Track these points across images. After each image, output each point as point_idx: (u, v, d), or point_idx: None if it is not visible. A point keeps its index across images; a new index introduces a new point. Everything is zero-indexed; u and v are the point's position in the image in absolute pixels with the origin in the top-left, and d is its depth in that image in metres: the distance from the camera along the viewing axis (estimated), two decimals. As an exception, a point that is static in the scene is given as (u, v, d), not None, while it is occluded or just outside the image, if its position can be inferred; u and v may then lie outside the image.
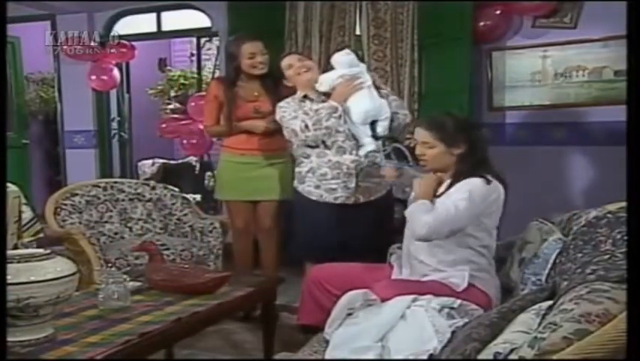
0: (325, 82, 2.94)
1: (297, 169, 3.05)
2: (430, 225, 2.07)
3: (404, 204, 3.95)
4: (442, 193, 2.20)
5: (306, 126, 2.87)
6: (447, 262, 2.17)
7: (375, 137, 2.89)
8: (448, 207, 2.08)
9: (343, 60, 2.96)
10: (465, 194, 2.10)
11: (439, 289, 2.06)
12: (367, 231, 2.91)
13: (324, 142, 2.90)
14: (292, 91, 3.06)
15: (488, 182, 2.13)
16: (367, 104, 2.88)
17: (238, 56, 3.24)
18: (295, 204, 3.10)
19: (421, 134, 2.28)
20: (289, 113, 2.95)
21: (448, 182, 2.23)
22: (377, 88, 2.97)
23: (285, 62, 3.07)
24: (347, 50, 3.05)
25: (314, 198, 2.95)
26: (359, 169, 2.89)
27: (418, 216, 2.13)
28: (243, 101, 3.26)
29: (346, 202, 2.91)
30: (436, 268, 2.18)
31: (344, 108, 2.86)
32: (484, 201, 2.12)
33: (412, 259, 2.27)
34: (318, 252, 2.93)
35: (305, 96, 2.99)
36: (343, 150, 2.90)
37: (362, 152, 2.89)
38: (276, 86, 3.22)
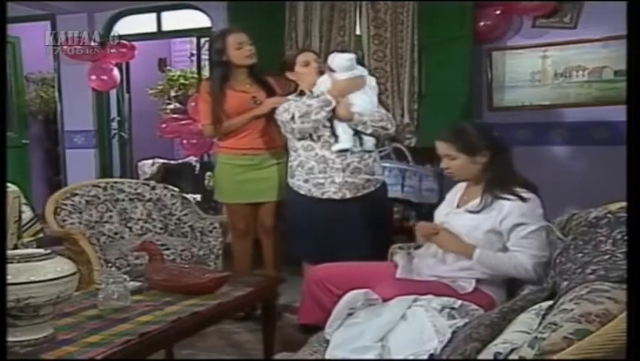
0: (323, 84, 2.97)
1: (289, 163, 3.09)
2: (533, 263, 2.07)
3: (404, 203, 4.00)
4: (479, 211, 2.16)
5: (292, 117, 2.91)
6: (458, 264, 2.18)
7: (360, 137, 2.92)
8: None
9: (341, 64, 2.95)
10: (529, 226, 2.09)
11: (443, 290, 2.06)
12: (356, 227, 2.94)
13: (310, 135, 2.93)
14: (289, 85, 3.12)
15: (524, 199, 2.10)
16: (362, 105, 2.90)
17: (226, 49, 3.20)
18: (287, 199, 3.13)
19: (442, 147, 2.25)
20: (282, 107, 3.00)
21: (477, 200, 2.19)
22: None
23: (302, 58, 3.07)
24: (350, 56, 3.01)
25: (303, 192, 2.99)
26: (345, 164, 2.90)
27: (509, 264, 2.09)
28: (238, 92, 3.24)
29: (333, 197, 2.92)
30: (449, 270, 2.19)
31: (339, 103, 2.89)
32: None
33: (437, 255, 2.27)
34: (308, 247, 2.98)
35: (302, 92, 3.05)
36: (329, 144, 2.94)
37: (335, 148, 2.91)
38: (263, 78, 3.27)
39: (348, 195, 2.93)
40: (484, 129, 2.28)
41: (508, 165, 2.23)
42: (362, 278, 2.19)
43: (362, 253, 2.90)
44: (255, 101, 3.23)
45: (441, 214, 2.34)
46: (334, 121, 2.92)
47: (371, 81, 3.01)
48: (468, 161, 2.20)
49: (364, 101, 2.92)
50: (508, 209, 2.10)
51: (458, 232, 2.19)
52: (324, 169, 2.93)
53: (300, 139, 2.97)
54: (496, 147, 2.20)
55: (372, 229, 2.96)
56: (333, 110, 2.89)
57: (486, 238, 2.14)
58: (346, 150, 2.90)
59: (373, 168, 3.00)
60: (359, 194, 2.95)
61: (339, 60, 2.96)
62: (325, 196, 2.93)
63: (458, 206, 2.29)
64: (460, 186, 2.37)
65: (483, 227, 2.14)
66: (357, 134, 2.93)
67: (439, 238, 2.22)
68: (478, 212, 2.16)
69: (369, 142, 2.97)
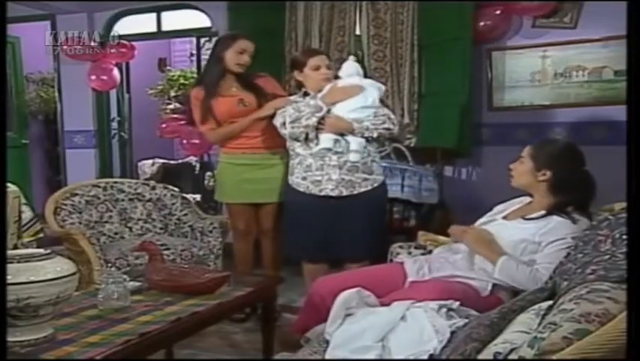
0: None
1: (289, 161, 3.10)
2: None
3: (404, 203, 3.99)
4: (534, 218, 2.20)
5: (284, 123, 2.96)
6: (482, 267, 2.20)
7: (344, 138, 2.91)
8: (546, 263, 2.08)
9: (345, 69, 3.00)
10: (559, 246, 2.09)
11: (468, 291, 2.10)
12: (352, 225, 2.95)
13: (307, 136, 2.94)
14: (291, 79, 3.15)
15: (574, 221, 2.12)
16: (353, 114, 2.90)
17: (227, 49, 3.20)
18: (285, 196, 3.14)
19: (525, 149, 2.31)
20: (280, 110, 3.03)
21: (542, 213, 2.21)
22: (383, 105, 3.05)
23: (314, 62, 3.04)
24: (356, 64, 3.05)
25: (301, 189, 3.00)
26: (342, 162, 2.91)
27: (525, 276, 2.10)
28: (225, 97, 3.23)
29: (330, 194, 2.94)
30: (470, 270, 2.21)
31: (330, 108, 2.90)
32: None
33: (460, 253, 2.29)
34: (306, 244, 3.00)
35: (306, 93, 3.07)
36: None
37: (315, 148, 2.91)
38: (250, 81, 3.27)
39: (345, 193, 2.93)
40: (558, 149, 2.31)
41: (577, 190, 2.22)
42: (372, 286, 2.15)
43: (358, 251, 2.94)
44: (243, 103, 3.22)
45: (479, 221, 2.38)
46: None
47: (374, 93, 2.97)
48: (530, 170, 2.25)
49: (357, 107, 2.92)
50: (555, 225, 2.13)
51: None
52: (321, 166, 2.93)
53: (297, 140, 2.99)
54: (561, 172, 2.22)
55: (369, 227, 2.98)
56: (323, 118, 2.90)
57: (515, 246, 2.16)
58: (326, 149, 2.89)
59: (371, 167, 3.00)
60: (355, 192, 2.95)
61: (345, 65, 3.02)
62: (323, 193, 2.94)
63: (505, 218, 2.32)
64: (518, 201, 2.40)
65: (519, 235, 2.17)
66: (342, 135, 2.92)
67: (469, 235, 2.25)
68: (530, 219, 2.19)
69: (354, 142, 2.91)
